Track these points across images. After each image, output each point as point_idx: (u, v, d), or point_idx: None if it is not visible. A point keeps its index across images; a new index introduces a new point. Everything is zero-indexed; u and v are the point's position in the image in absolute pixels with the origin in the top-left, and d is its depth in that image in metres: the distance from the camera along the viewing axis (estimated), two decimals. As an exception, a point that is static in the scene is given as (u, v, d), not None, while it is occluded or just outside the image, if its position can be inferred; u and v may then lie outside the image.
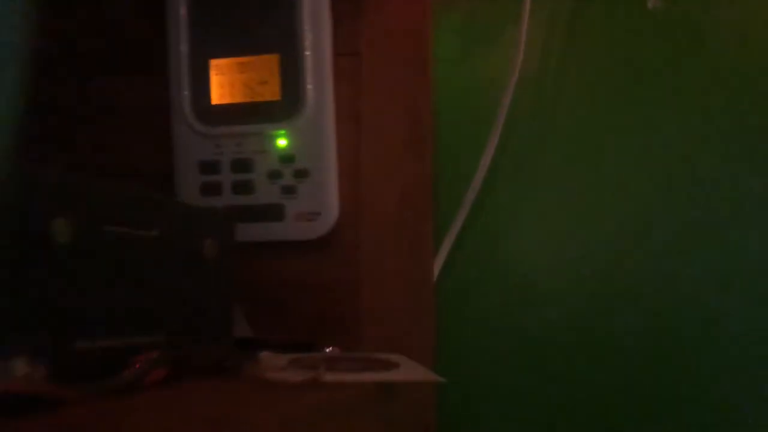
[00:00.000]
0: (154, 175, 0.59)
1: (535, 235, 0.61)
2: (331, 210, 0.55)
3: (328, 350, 0.52)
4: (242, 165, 0.56)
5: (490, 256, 0.61)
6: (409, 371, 0.45)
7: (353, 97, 0.58)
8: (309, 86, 0.54)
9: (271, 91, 0.55)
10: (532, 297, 0.63)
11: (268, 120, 0.55)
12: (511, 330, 0.65)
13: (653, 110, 0.61)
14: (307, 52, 0.54)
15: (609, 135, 0.61)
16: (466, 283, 0.61)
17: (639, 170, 0.61)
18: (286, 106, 0.55)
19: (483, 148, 0.60)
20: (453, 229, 0.59)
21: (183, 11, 0.56)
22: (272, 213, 0.56)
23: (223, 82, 0.56)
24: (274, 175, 0.55)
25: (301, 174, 0.55)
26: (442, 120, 0.62)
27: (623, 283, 0.61)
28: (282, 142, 0.55)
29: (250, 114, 0.55)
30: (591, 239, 0.61)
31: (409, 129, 0.59)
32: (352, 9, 0.58)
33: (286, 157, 0.55)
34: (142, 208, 0.38)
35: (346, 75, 0.57)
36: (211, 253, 0.43)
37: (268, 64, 0.55)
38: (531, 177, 0.62)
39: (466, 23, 0.65)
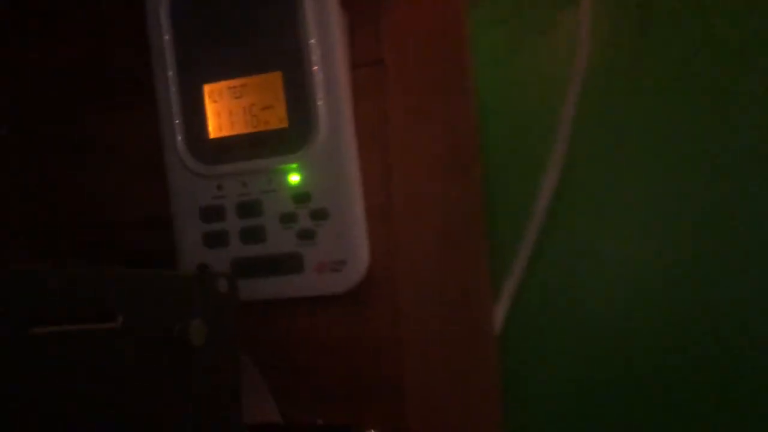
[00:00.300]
0: (150, 225, 0.50)
1: (616, 268, 0.49)
2: (359, 257, 0.45)
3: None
4: (250, 209, 0.46)
5: (563, 297, 0.50)
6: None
7: (378, 116, 0.48)
8: (321, 107, 0.44)
9: (277, 117, 0.45)
10: (619, 348, 0.51)
11: (276, 152, 0.45)
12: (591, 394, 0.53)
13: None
14: (315, 66, 0.44)
15: (696, 142, 0.49)
16: (537, 335, 0.50)
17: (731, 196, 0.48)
18: (295, 134, 0.45)
19: (544, 166, 0.49)
20: (515, 269, 0.48)
21: (166, 30, 0.47)
22: (289, 264, 0.46)
23: (221, 111, 0.46)
24: (287, 219, 0.46)
25: (319, 215, 0.45)
26: (489, 136, 0.51)
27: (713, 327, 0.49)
28: (294, 178, 0.45)
29: (255, 147, 0.46)
30: (677, 276, 0.49)
31: (449, 150, 0.48)
32: (370, 8, 0.48)
33: (301, 196, 0.45)
34: (93, 294, 0.29)
35: (367, 90, 0.47)
36: (198, 336, 0.33)
37: (271, 84, 0.45)
38: (604, 198, 0.50)
39: (509, 11, 0.54)
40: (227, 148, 0.46)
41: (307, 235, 0.45)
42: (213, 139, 0.47)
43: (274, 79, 0.45)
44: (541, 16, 0.52)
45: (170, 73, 0.47)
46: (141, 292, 0.31)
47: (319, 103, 0.44)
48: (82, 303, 0.29)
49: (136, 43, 0.52)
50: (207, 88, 0.47)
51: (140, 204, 0.53)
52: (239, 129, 0.46)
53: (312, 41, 0.44)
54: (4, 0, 0.56)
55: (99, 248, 0.54)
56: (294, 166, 0.45)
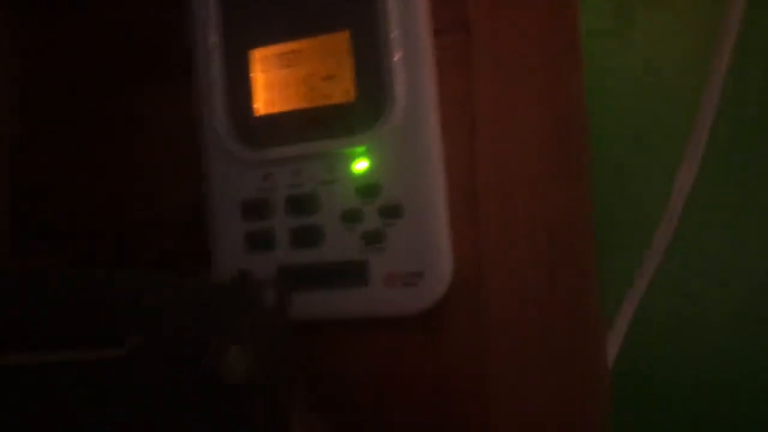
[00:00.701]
0: (177, 226, 0.41)
1: (730, 308, 0.38)
2: (441, 268, 0.35)
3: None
4: (303, 203, 0.37)
5: (686, 325, 0.39)
6: None
7: (462, 93, 0.38)
8: (398, 76, 0.35)
9: (342, 89, 0.36)
10: (733, 394, 0.40)
11: (339, 133, 0.36)
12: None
13: None
14: (393, 23, 0.35)
15: None
16: (654, 368, 0.39)
17: None
18: (364, 110, 0.36)
19: (676, 163, 0.38)
20: (635, 289, 0.38)
21: (210, -18, 0.38)
22: (351, 275, 0.36)
23: (271, 82, 0.37)
24: (350, 217, 0.36)
25: (391, 212, 0.35)
26: (604, 122, 0.41)
27: None
28: (360, 166, 0.36)
29: (312, 126, 0.37)
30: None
31: (553, 141, 0.38)
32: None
33: (368, 189, 0.36)
34: (90, 308, 0.20)
35: (447, 62, 0.38)
36: (236, 369, 0.23)
37: (335, 47, 0.36)
38: (749, 204, 0.39)
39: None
40: (277, 128, 0.37)
41: (374, 239, 0.36)
42: (260, 117, 0.38)
43: (340, 41, 0.36)
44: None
45: (210, 35, 0.38)
46: (158, 307, 0.22)
47: (397, 70, 0.35)
48: (75, 320, 0.20)
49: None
50: (255, 54, 0.38)
51: (170, 199, 0.44)
52: (293, 104, 0.37)
53: (390, -11, 0.35)
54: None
55: (119, 252, 0.45)
56: (361, 149, 0.36)
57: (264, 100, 0.38)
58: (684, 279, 0.38)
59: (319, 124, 0.36)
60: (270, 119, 0.37)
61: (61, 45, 0.48)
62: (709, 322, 0.39)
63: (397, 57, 0.35)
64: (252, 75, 0.38)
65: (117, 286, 0.21)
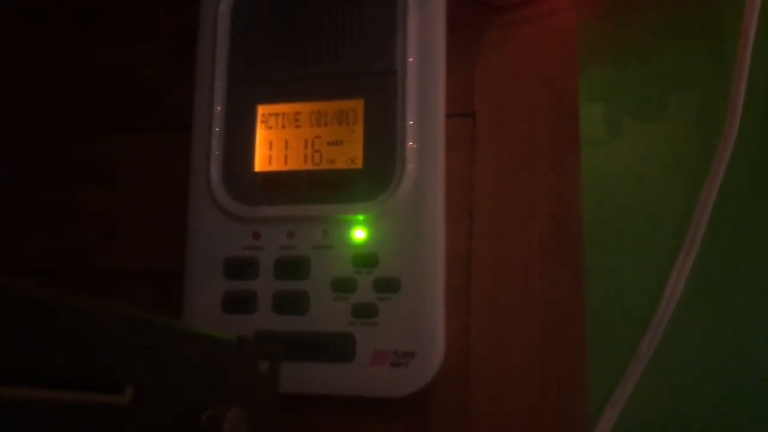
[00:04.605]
0: (152, 278, 0.39)
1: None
2: (433, 350, 0.34)
3: None
4: (292, 267, 0.35)
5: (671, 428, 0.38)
6: None
7: (464, 175, 0.38)
8: (410, 149, 0.34)
9: (348, 156, 0.35)
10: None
11: (340, 198, 0.35)
12: None
13: None
14: (411, 96, 0.35)
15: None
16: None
17: None
18: (370, 179, 0.35)
19: (665, 270, 0.39)
20: (623, 387, 0.37)
21: (222, 32, 0.37)
22: (336, 348, 0.34)
23: (274, 140, 0.36)
24: (342, 286, 0.34)
25: (386, 286, 0.34)
26: (592, 219, 0.42)
27: None
28: (359, 234, 0.35)
29: (312, 188, 0.35)
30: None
31: (550, 227, 0.38)
32: (461, 50, 0.39)
33: (365, 259, 0.34)
34: (91, 345, 0.17)
35: (452, 144, 0.37)
36: (236, 430, 0.21)
37: (347, 114, 0.36)
38: (738, 314, 0.40)
39: (611, 87, 0.46)
40: (274, 185, 0.36)
41: (365, 312, 0.34)
42: (257, 173, 0.36)
43: (353, 108, 0.35)
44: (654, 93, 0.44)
45: (218, 87, 0.37)
46: (165, 356, 0.19)
47: (410, 143, 0.34)
48: (76, 356, 0.17)
49: (162, 55, 0.43)
50: (261, 110, 0.37)
51: (146, 249, 0.41)
52: (294, 164, 0.36)
53: (410, 60, 0.35)
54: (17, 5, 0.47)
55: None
56: (361, 218, 0.35)
57: (263, 157, 0.36)
58: (669, 382, 0.38)
59: (320, 188, 0.35)
60: (268, 176, 0.36)
61: (43, 83, 0.46)
62: (695, 425, 0.38)
63: (412, 129, 0.34)
64: (256, 130, 0.36)
65: (125, 325, 0.18)
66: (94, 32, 0.46)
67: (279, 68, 0.37)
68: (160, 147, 0.42)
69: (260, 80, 0.37)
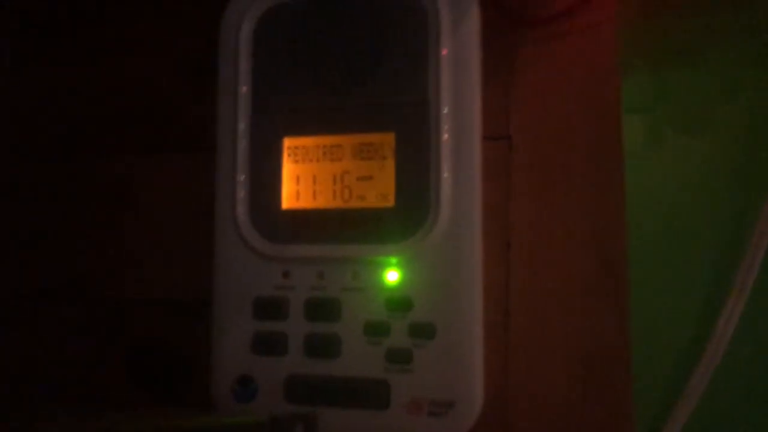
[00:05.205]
0: (174, 309, 0.38)
1: None
2: (473, 398, 0.32)
3: None
4: (323, 309, 0.34)
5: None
6: None
7: (499, 205, 0.36)
8: (446, 185, 0.33)
9: (379, 193, 0.34)
10: None
11: (372, 239, 0.33)
12: None
13: None
14: (446, 128, 0.33)
15: None
16: None
17: None
18: (403, 218, 0.33)
19: (721, 287, 0.37)
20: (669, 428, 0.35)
21: (244, 61, 0.36)
22: (370, 395, 0.33)
23: (302, 175, 0.35)
24: (375, 331, 0.33)
25: (421, 332, 0.33)
26: (631, 239, 0.40)
27: None
28: (392, 277, 0.33)
29: (342, 228, 0.34)
30: None
31: (593, 261, 0.36)
32: (494, 68, 0.37)
33: (398, 302, 0.33)
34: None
35: (486, 171, 0.36)
36: None
37: (378, 148, 0.34)
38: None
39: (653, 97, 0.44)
40: (304, 224, 0.34)
41: (400, 358, 0.33)
42: (286, 211, 0.35)
43: (383, 142, 0.34)
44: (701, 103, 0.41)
45: (242, 118, 0.35)
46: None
47: (445, 179, 0.32)
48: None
49: (188, 70, 0.42)
50: (288, 143, 0.35)
51: (167, 278, 0.40)
52: (323, 202, 0.34)
53: (444, 90, 0.33)
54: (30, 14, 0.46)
55: (102, 327, 0.41)
56: (393, 260, 0.33)
57: (291, 193, 0.35)
58: (718, 423, 0.36)
59: (350, 227, 0.34)
60: (296, 214, 0.35)
61: (63, 94, 0.45)
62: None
63: (447, 164, 0.33)
64: (283, 164, 0.35)
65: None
66: (113, 46, 0.44)
67: (305, 98, 0.35)
68: (180, 167, 0.41)
69: (285, 111, 0.35)
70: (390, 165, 0.33)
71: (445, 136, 0.33)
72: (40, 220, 0.43)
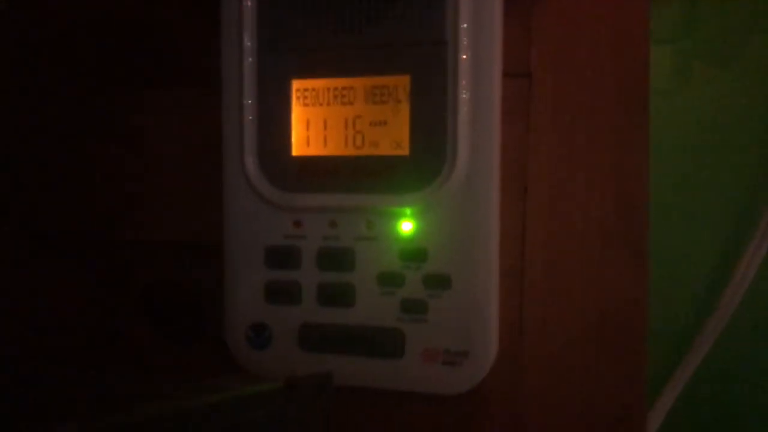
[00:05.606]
0: (188, 249, 0.37)
1: None
2: (487, 349, 0.32)
3: None
4: (336, 258, 0.33)
5: (730, 414, 0.37)
6: None
7: (518, 149, 0.35)
8: (463, 131, 0.31)
9: (393, 140, 0.32)
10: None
11: (386, 189, 0.32)
12: None
13: None
14: (464, 70, 0.31)
15: None
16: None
17: None
18: (418, 167, 0.32)
19: (736, 235, 0.36)
20: (680, 374, 0.35)
21: (250, -3, 0.33)
22: (384, 344, 0.33)
23: (312, 119, 0.33)
24: (389, 281, 0.33)
25: (436, 283, 0.32)
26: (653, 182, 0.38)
27: None
28: (406, 227, 0.32)
29: (355, 176, 0.33)
30: None
31: (613, 210, 0.35)
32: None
33: (413, 253, 0.32)
34: None
35: (505, 111, 0.34)
36: None
37: (391, 91, 0.32)
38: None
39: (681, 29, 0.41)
40: (315, 172, 0.33)
41: (415, 308, 0.32)
42: (296, 158, 0.33)
43: (398, 85, 0.32)
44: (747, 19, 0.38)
45: (247, 58, 0.33)
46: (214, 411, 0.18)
47: (462, 125, 0.31)
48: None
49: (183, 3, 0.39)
50: (296, 85, 0.33)
51: (179, 219, 0.39)
52: (335, 149, 0.33)
53: (463, 28, 0.31)
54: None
55: (116, 269, 0.41)
56: (407, 211, 0.32)
57: (301, 139, 0.33)
58: (732, 367, 0.36)
59: (363, 176, 0.32)
60: (307, 161, 0.33)
61: (56, 28, 0.43)
62: (757, 410, 0.37)
63: (465, 109, 0.31)
64: (292, 107, 0.33)
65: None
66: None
67: (315, 37, 0.33)
68: (181, 104, 0.40)
69: (294, 50, 0.33)
70: (405, 110, 0.32)
71: (464, 81, 0.31)
72: (39, 163, 0.42)
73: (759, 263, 0.34)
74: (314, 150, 0.33)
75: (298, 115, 0.33)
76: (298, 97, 0.33)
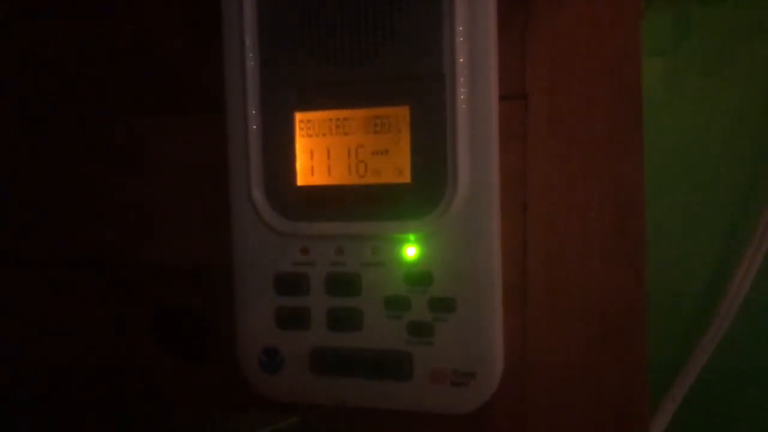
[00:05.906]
0: (199, 276, 0.38)
1: None
2: (493, 369, 0.33)
3: None
4: (343, 284, 0.34)
5: (734, 417, 0.38)
6: None
7: (517, 169, 0.36)
8: (462, 159, 0.32)
9: (395, 168, 0.33)
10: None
11: (389, 215, 0.33)
12: None
13: None
14: (462, 103, 0.32)
15: None
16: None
17: None
18: (420, 194, 0.33)
19: (730, 243, 0.36)
20: (684, 378, 0.36)
21: (249, 30, 0.34)
22: (392, 366, 0.34)
23: (315, 150, 0.34)
24: (396, 305, 0.34)
25: (441, 306, 0.33)
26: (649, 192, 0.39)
27: None
28: (411, 252, 0.33)
29: (359, 204, 0.34)
30: None
31: (612, 223, 0.36)
32: (508, 19, 0.35)
33: (418, 277, 0.33)
34: None
35: (503, 132, 0.35)
36: None
37: (392, 121, 0.33)
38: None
39: (671, 41, 0.42)
40: (320, 201, 0.34)
41: (421, 331, 0.33)
42: (302, 187, 0.34)
43: (398, 116, 0.33)
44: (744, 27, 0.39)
45: (250, 91, 0.34)
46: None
47: (462, 152, 0.32)
48: None
49: (194, 29, 0.40)
50: (299, 117, 0.34)
51: (189, 244, 0.40)
52: (339, 178, 0.34)
53: (461, 60, 0.31)
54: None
55: (125, 293, 0.42)
56: (411, 237, 0.33)
57: (305, 169, 0.34)
58: (735, 369, 0.37)
59: (367, 204, 0.33)
60: (312, 191, 0.34)
61: (69, 54, 0.43)
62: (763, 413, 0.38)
63: (462, 137, 0.32)
64: (296, 139, 0.34)
65: None
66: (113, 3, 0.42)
67: (315, 71, 0.33)
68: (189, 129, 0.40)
69: (295, 84, 0.34)
70: (405, 139, 0.33)
71: (462, 110, 0.32)
72: (52, 185, 0.43)
73: (753, 275, 0.35)
74: (319, 179, 0.34)
75: (302, 145, 0.34)
76: (301, 129, 0.34)
